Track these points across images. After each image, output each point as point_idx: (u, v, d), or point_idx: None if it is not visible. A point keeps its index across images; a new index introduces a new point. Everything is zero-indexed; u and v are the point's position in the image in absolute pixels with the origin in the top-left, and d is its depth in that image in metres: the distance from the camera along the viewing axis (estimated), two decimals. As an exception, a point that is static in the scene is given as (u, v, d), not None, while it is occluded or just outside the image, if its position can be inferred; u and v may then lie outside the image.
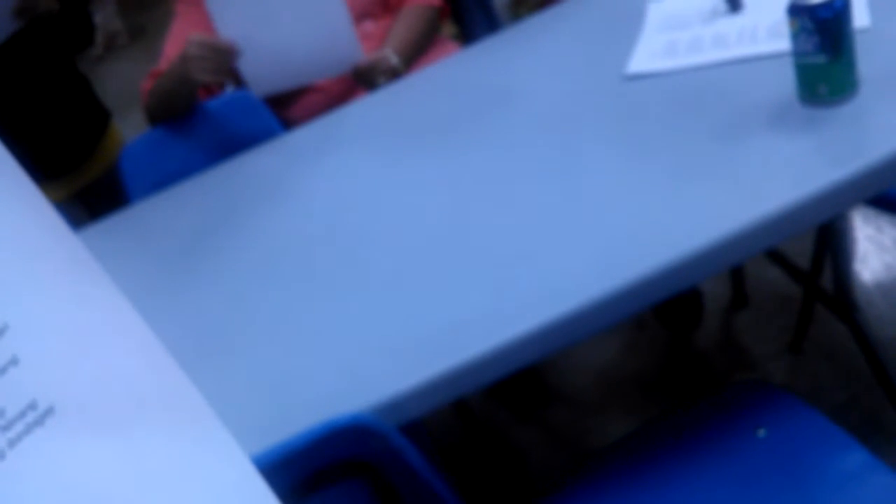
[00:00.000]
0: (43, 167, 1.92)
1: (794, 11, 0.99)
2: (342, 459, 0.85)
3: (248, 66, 1.68)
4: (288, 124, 1.81)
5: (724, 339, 1.96)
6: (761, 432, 1.03)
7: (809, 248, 1.71)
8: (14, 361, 0.27)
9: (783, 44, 1.09)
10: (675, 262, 0.91)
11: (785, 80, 1.07)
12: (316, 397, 0.94)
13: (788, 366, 1.80)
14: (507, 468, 1.87)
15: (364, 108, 1.67)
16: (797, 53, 1.02)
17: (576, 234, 1.03)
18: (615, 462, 1.10)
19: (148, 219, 1.65)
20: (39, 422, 0.27)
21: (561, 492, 1.08)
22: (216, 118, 1.83)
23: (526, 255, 1.04)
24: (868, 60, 1.02)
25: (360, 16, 1.78)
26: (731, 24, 1.30)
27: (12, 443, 0.26)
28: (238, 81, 1.80)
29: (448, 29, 2.18)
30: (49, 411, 0.27)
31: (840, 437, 1.01)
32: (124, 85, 3.68)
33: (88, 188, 2.04)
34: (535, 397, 1.99)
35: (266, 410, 0.95)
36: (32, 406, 0.27)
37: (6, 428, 0.26)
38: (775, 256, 1.85)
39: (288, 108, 1.84)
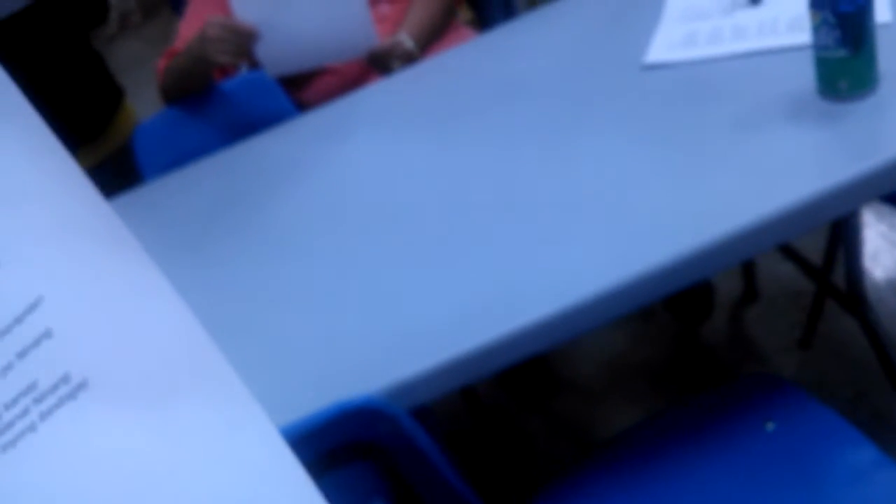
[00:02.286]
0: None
1: (817, 4, 0.98)
2: (352, 441, 0.85)
3: (263, 45, 1.68)
4: (302, 106, 1.81)
5: (734, 333, 1.96)
6: (770, 426, 1.03)
7: (821, 244, 1.70)
8: (48, 334, 0.27)
9: (803, 37, 1.08)
10: (689, 253, 0.91)
11: (804, 73, 1.06)
12: (327, 379, 0.94)
13: (798, 360, 1.80)
14: (513, 456, 1.87)
15: (378, 93, 1.67)
16: (818, 47, 1.01)
17: (589, 224, 1.03)
18: (622, 452, 1.10)
19: (161, 198, 1.65)
20: (72, 395, 0.27)
21: (566, 480, 1.08)
22: (231, 99, 1.83)
23: (539, 243, 1.03)
24: (889, 56, 1.01)
25: (376, -1, 1.77)
26: (752, 16, 1.29)
27: (44, 415, 0.26)
28: (253, 62, 1.80)
29: (464, 14, 2.17)
30: (82, 385, 0.27)
31: (849, 433, 1.01)
32: (138, 64, 3.69)
33: (101, 165, 2.04)
34: (542, 386, 1.99)
35: (278, 391, 0.95)
36: (65, 379, 0.27)
37: (39, 400, 0.26)
38: (787, 251, 1.85)
39: (302, 90, 1.84)
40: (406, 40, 1.73)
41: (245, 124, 1.74)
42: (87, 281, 0.28)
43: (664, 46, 1.31)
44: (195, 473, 0.27)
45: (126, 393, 0.27)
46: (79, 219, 0.30)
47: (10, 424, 0.26)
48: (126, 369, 0.28)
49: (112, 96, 2.07)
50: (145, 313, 0.29)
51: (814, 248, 1.74)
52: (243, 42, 1.66)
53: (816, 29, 1.00)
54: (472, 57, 1.66)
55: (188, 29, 1.78)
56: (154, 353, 0.29)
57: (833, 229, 1.66)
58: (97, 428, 0.27)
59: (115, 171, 2.00)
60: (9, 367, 0.27)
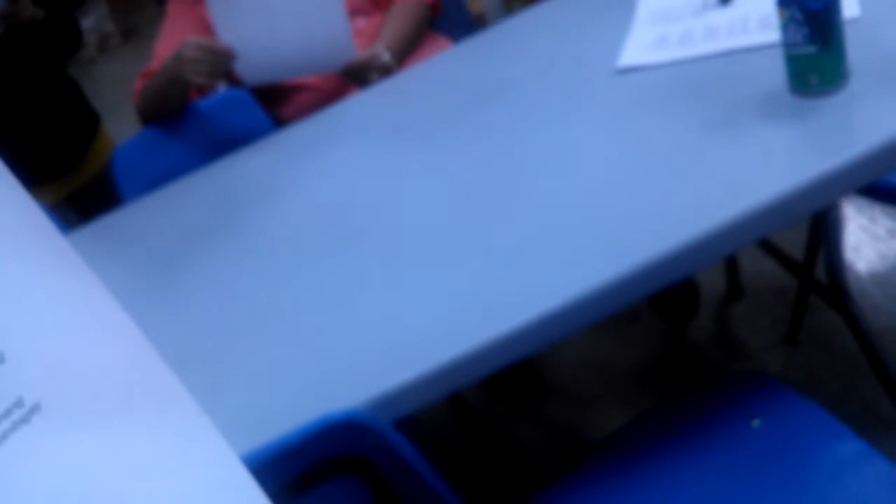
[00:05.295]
0: (34, 171, 1.92)
1: (784, 2, 0.99)
2: (337, 456, 0.85)
3: (243, 57, 1.68)
4: (280, 123, 1.81)
5: (720, 331, 1.97)
6: (756, 423, 1.03)
7: (803, 240, 1.71)
8: (0, 359, 0.27)
9: (773, 35, 1.09)
10: (668, 252, 0.91)
11: (776, 71, 1.07)
12: (310, 393, 0.94)
13: (784, 357, 1.80)
14: (503, 462, 1.87)
15: (356, 106, 1.67)
16: (787, 44, 1.02)
17: (569, 227, 1.03)
18: (611, 454, 1.10)
19: (141, 219, 1.64)
20: (26, 419, 0.27)
21: (557, 485, 1.08)
22: (208, 117, 1.83)
23: (519, 248, 1.04)
24: (858, 50, 1.02)
25: (352, 13, 1.78)
26: (722, 17, 1.30)
27: None
28: (231, 80, 1.80)
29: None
30: (35, 408, 0.27)
31: (835, 427, 1.01)
32: (118, 86, 3.68)
33: (80, 192, 2.04)
34: (530, 391, 1.99)
35: (261, 407, 0.95)
36: (18, 404, 0.27)
37: None
38: (769, 248, 1.86)
39: (279, 106, 1.84)
40: (383, 53, 1.73)
41: (224, 142, 1.74)
42: (37, 305, 0.29)
43: (637, 49, 1.32)
44: (149, 492, 0.27)
45: (79, 415, 0.27)
46: (26, 244, 0.30)
47: None
48: (78, 391, 0.28)
49: (88, 122, 2.07)
50: (95, 335, 0.29)
51: (796, 244, 1.75)
52: (220, 63, 1.65)
53: (785, 26, 1.00)
54: (447, 66, 1.67)
55: (164, 48, 1.78)
56: (105, 375, 0.29)
57: (813, 224, 1.67)
58: (52, 451, 0.27)
59: (94, 197, 1.99)
60: None
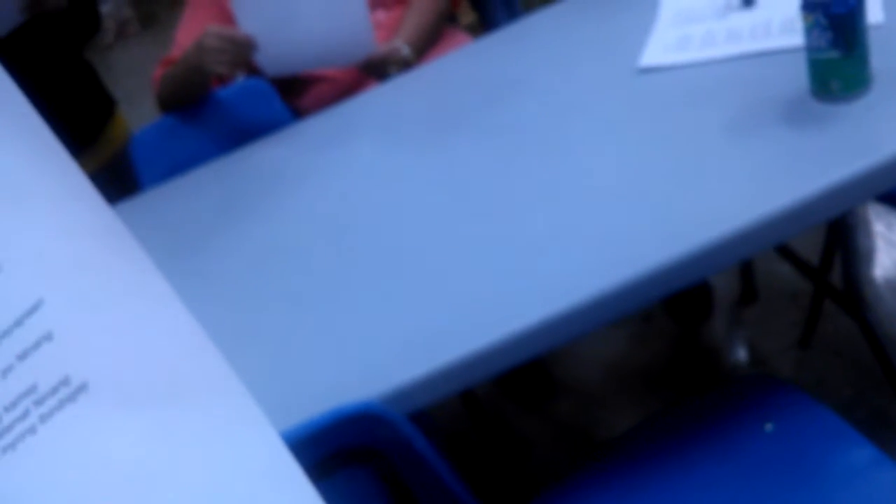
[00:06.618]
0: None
1: (809, 6, 0.99)
2: (351, 446, 0.85)
3: (263, 48, 1.68)
4: (298, 114, 1.82)
5: (733, 334, 1.96)
6: (769, 427, 1.03)
7: (820, 244, 1.71)
8: (48, 337, 0.27)
9: (796, 39, 1.09)
10: (685, 255, 0.91)
11: (798, 75, 1.06)
12: (326, 385, 0.95)
13: (796, 361, 1.80)
14: (513, 459, 1.87)
15: (375, 99, 1.67)
16: (810, 49, 1.02)
17: (586, 226, 1.03)
18: (621, 454, 1.11)
19: (160, 206, 1.65)
20: (72, 398, 0.26)
21: (565, 483, 1.08)
22: (228, 106, 1.83)
23: (536, 246, 1.04)
24: (881, 56, 1.02)
25: (372, 5, 1.78)
26: (745, 19, 1.30)
27: (44, 418, 0.26)
28: (251, 70, 1.80)
29: (466, 17, 2.17)
30: (82, 387, 0.27)
31: (847, 433, 1.01)
32: (135, 73, 3.69)
33: (93, 176, 2.03)
34: (541, 390, 1.99)
35: (276, 397, 0.95)
36: (65, 382, 0.27)
37: (39, 403, 0.26)
38: (785, 252, 1.85)
39: (298, 97, 1.84)
40: (403, 47, 1.73)
41: (242, 131, 1.75)
42: (88, 284, 0.28)
43: (659, 50, 1.32)
44: (195, 476, 0.27)
45: (126, 396, 0.27)
46: (80, 221, 0.30)
47: (10, 427, 0.26)
48: (127, 372, 0.28)
49: (103, 106, 2.07)
50: (146, 316, 0.29)
51: (812, 248, 1.75)
52: (242, 52, 1.66)
53: (809, 31, 1.00)
54: (467, 62, 1.67)
55: (185, 36, 1.78)
56: (155, 356, 0.29)
57: (830, 229, 1.66)
58: (97, 430, 0.26)
59: (108, 181, 1.99)
60: (9, 369, 0.27)
